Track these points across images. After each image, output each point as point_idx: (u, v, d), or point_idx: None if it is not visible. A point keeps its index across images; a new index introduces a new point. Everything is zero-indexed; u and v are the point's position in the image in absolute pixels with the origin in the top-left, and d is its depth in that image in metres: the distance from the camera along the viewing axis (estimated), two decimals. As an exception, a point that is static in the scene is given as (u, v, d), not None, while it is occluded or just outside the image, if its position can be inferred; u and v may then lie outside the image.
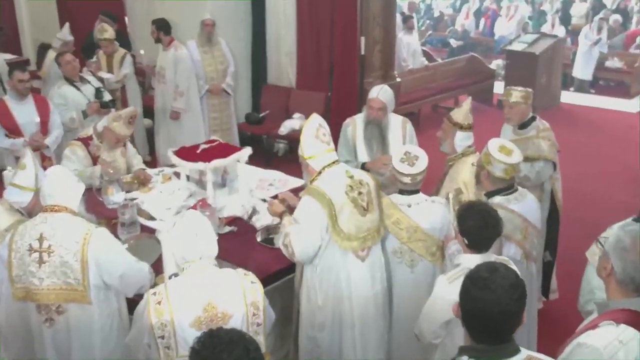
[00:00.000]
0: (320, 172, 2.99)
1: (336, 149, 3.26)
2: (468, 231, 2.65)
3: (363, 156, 4.17)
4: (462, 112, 3.69)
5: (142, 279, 2.81)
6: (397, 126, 4.20)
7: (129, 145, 4.56)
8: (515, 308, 1.86)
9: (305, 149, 2.99)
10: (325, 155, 3.00)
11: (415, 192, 3.28)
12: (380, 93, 4.09)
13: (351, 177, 3.02)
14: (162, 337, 2.29)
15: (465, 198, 3.41)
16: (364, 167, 4.06)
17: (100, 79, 5.89)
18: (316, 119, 3.04)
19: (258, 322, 2.39)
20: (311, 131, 2.99)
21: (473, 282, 1.88)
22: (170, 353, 2.31)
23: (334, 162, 3.02)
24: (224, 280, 2.38)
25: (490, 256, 2.67)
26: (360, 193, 2.99)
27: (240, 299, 2.35)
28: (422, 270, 3.26)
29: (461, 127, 3.66)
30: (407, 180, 3.22)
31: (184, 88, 6.34)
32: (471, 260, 2.60)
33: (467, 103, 3.74)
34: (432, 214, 3.27)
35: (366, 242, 3.01)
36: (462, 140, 3.66)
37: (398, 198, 3.27)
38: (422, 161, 3.25)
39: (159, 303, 2.31)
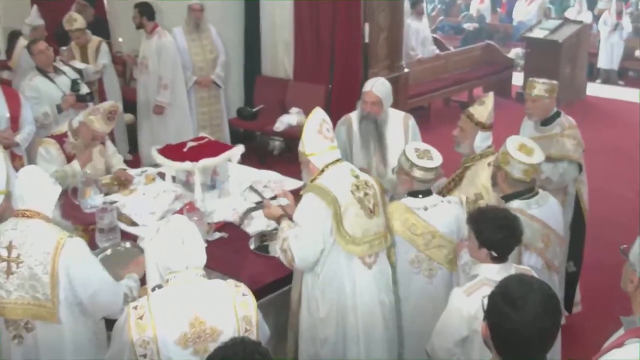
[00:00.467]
0: (322, 171, 3.03)
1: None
2: (486, 240, 2.67)
3: (358, 158, 4.19)
4: (487, 110, 3.65)
5: (115, 302, 2.77)
6: (398, 123, 4.22)
7: (109, 143, 4.58)
8: (553, 325, 1.87)
9: (307, 145, 3.03)
10: (329, 153, 3.04)
11: (429, 192, 3.31)
12: (375, 86, 4.11)
13: (356, 176, 3.06)
14: (145, 356, 2.28)
15: (485, 204, 3.43)
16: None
17: (78, 70, 5.91)
18: (320, 113, 3.08)
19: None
20: (314, 126, 3.03)
21: (506, 301, 1.88)
22: None
23: (337, 161, 3.06)
24: (212, 292, 2.38)
25: (510, 266, 2.69)
26: (366, 194, 3.03)
27: (230, 313, 2.35)
28: (441, 281, 3.28)
29: (483, 127, 3.65)
30: (430, 176, 3.24)
31: (169, 80, 6.36)
32: (490, 271, 2.62)
33: (490, 99, 3.71)
34: (448, 215, 3.30)
35: (373, 248, 3.04)
36: (482, 141, 3.66)
37: (412, 201, 3.28)
38: (436, 153, 3.30)
39: (141, 318, 2.29)
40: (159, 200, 4.00)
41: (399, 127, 4.21)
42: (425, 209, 3.27)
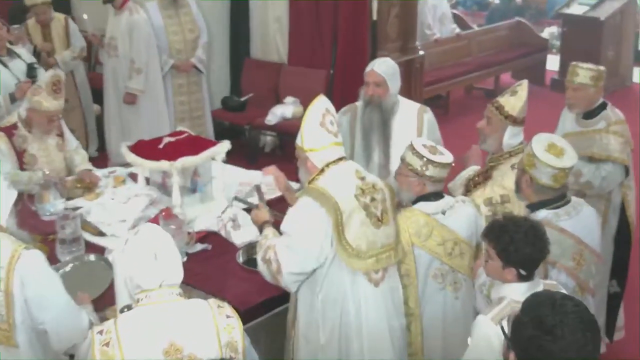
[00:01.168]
0: (322, 170, 3.03)
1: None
2: (513, 257, 2.66)
3: (358, 151, 4.21)
4: (520, 101, 3.64)
5: (79, 329, 2.75)
6: (410, 116, 4.23)
7: (69, 136, 4.57)
8: (593, 350, 1.90)
9: (306, 139, 3.04)
10: (331, 150, 3.05)
11: (441, 194, 3.33)
12: (377, 64, 4.17)
13: (362, 178, 3.06)
14: None
15: (512, 209, 3.43)
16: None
17: (37, 53, 5.91)
18: (323, 102, 3.10)
19: None
20: (316, 116, 3.04)
21: (540, 330, 1.90)
22: None
23: (340, 159, 3.07)
24: (191, 314, 2.38)
25: (538, 283, 2.69)
26: (373, 199, 3.04)
27: (212, 339, 2.34)
28: (467, 295, 3.31)
29: (514, 122, 3.64)
30: (444, 174, 3.27)
31: (142, 63, 6.36)
32: (518, 292, 2.62)
33: (524, 89, 3.69)
34: (466, 217, 3.34)
35: (380, 262, 3.04)
36: (513, 137, 3.66)
37: (427, 206, 3.29)
38: (443, 149, 3.33)
39: (107, 345, 2.27)
40: (130, 206, 4.00)
41: (412, 120, 4.22)
42: (443, 212, 3.29)
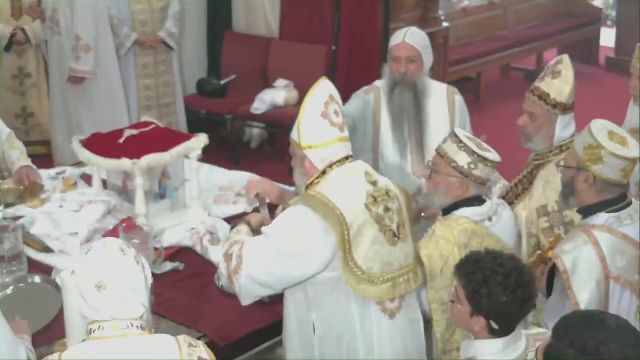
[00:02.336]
0: (324, 172, 3.02)
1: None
2: (483, 302, 2.66)
3: (387, 144, 4.23)
4: (567, 83, 3.65)
5: None
6: (441, 98, 4.28)
7: None
8: None
9: (305, 133, 3.03)
10: (336, 146, 3.03)
11: (482, 198, 3.37)
12: (408, 35, 4.18)
13: (374, 183, 3.04)
14: None
15: (573, 217, 3.47)
16: None
17: None
18: (326, 87, 3.08)
19: None
20: (317, 104, 3.03)
21: (583, 353, 1.97)
22: None
23: (347, 159, 3.06)
24: (153, 353, 2.39)
25: (518, 337, 2.71)
26: (387, 210, 3.02)
27: None
28: None
29: (564, 109, 3.65)
30: (491, 175, 3.32)
31: (90, 39, 6.35)
32: (491, 351, 2.66)
33: (567, 67, 3.69)
34: (510, 222, 3.40)
35: (398, 288, 3.02)
36: (565, 127, 3.68)
37: (472, 212, 3.31)
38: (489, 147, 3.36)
39: None
40: (83, 215, 4.00)
41: (443, 104, 4.27)
42: (490, 219, 3.32)
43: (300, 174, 3.11)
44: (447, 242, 3.23)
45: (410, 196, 3.22)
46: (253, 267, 2.93)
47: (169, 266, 3.75)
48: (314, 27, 7.18)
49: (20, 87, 7.09)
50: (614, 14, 10.82)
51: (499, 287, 2.64)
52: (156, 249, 3.74)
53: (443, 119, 4.22)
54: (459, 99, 4.31)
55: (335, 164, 3.02)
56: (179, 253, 3.88)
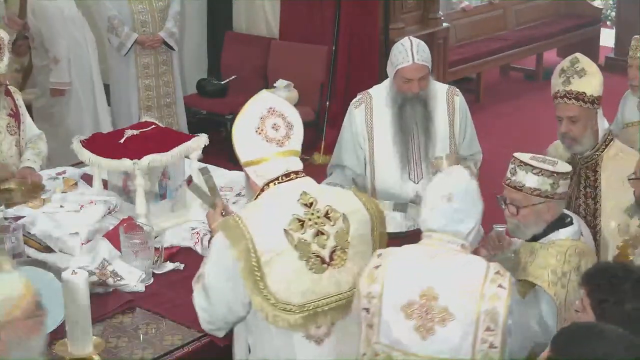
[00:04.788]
0: (262, 190, 2.98)
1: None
2: (610, 311, 2.59)
3: (382, 151, 4.20)
4: (595, 78, 3.70)
5: None
6: (440, 99, 4.25)
7: (29, 120, 4.54)
8: None
9: (239, 149, 2.99)
10: (274, 163, 2.96)
11: (568, 216, 3.37)
12: (416, 54, 4.08)
13: (309, 204, 2.93)
14: (367, 310, 2.80)
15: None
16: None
17: None
18: (265, 100, 3.01)
19: None
20: (250, 120, 2.97)
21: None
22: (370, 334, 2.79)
23: (288, 175, 2.97)
24: (462, 268, 2.77)
25: None
26: (320, 234, 2.90)
27: (472, 301, 2.71)
28: None
29: (599, 102, 3.70)
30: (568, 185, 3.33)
31: (59, 52, 6.31)
32: None
33: (588, 63, 3.74)
34: (589, 234, 3.44)
35: (320, 317, 2.91)
36: (602, 118, 3.74)
37: (570, 231, 3.29)
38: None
39: (376, 267, 2.85)
40: (84, 215, 4.00)
41: (442, 105, 4.24)
42: (581, 234, 3.34)
43: (248, 189, 3.12)
44: (557, 266, 3.18)
45: (382, 218, 3.10)
46: (203, 314, 3.03)
47: (169, 266, 3.75)
48: (314, 27, 7.18)
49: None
50: (613, 14, 10.81)
51: (627, 294, 2.58)
52: (156, 249, 3.74)
53: (442, 120, 4.20)
54: (459, 99, 4.28)
55: (272, 181, 2.96)
56: (179, 253, 3.88)
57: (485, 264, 2.78)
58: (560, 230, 3.30)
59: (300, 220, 2.89)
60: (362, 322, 2.83)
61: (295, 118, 3.03)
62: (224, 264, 2.89)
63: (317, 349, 2.95)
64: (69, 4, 6.44)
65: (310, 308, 2.88)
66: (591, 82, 3.68)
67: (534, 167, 3.24)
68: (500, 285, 2.71)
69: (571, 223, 3.33)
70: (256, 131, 2.96)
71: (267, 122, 2.97)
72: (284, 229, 2.87)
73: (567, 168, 3.31)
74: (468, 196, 2.83)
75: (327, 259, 2.90)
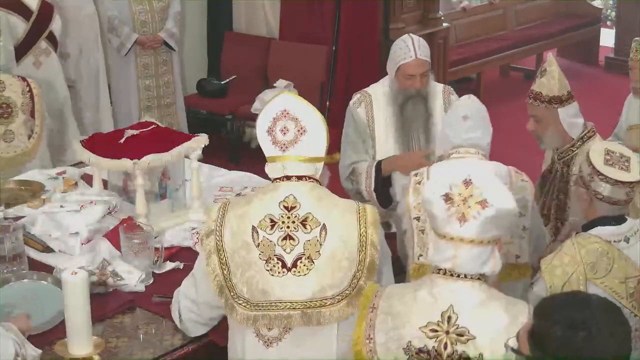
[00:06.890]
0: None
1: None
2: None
3: (384, 147, 4.25)
4: (553, 78, 3.78)
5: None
6: (438, 98, 4.29)
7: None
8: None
9: (260, 143, 3.04)
10: (275, 165, 2.98)
11: (623, 218, 3.30)
12: (417, 50, 4.12)
13: (289, 208, 2.91)
14: (417, 219, 3.44)
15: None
16: (378, 169, 4.13)
17: None
18: (282, 102, 2.97)
19: None
20: (265, 119, 2.97)
21: (571, 329, 1.97)
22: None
23: (290, 178, 2.96)
24: (490, 165, 3.44)
25: None
26: (289, 238, 2.89)
27: (506, 191, 2.68)
28: None
29: (561, 102, 3.77)
30: (621, 195, 3.21)
31: (71, 50, 6.35)
32: None
33: (552, 64, 3.84)
34: None
35: (274, 320, 2.89)
36: (572, 117, 3.80)
37: (607, 231, 3.23)
38: (636, 161, 3.26)
39: (419, 183, 3.52)
40: (84, 215, 4.00)
41: (439, 104, 4.29)
42: (627, 240, 3.24)
43: None
44: (572, 259, 3.15)
45: (376, 222, 2.95)
46: (183, 314, 3.15)
47: (169, 266, 3.75)
48: (314, 27, 7.18)
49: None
50: (613, 14, 10.82)
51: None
52: (156, 249, 3.74)
53: (440, 118, 4.21)
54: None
55: (275, 180, 2.99)
56: (179, 253, 3.88)
57: (505, 168, 3.47)
58: (598, 227, 3.26)
59: (273, 221, 2.90)
60: (414, 229, 3.50)
61: (312, 123, 2.95)
62: (205, 261, 2.98)
63: (265, 351, 2.94)
64: (89, 1, 6.44)
65: (263, 307, 2.89)
66: (548, 82, 3.80)
67: (593, 152, 3.24)
68: (523, 180, 3.48)
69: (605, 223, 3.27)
70: (267, 131, 2.98)
71: (278, 125, 2.96)
72: (253, 225, 2.91)
73: (627, 177, 3.20)
74: (480, 114, 3.47)
75: (289, 265, 2.88)
